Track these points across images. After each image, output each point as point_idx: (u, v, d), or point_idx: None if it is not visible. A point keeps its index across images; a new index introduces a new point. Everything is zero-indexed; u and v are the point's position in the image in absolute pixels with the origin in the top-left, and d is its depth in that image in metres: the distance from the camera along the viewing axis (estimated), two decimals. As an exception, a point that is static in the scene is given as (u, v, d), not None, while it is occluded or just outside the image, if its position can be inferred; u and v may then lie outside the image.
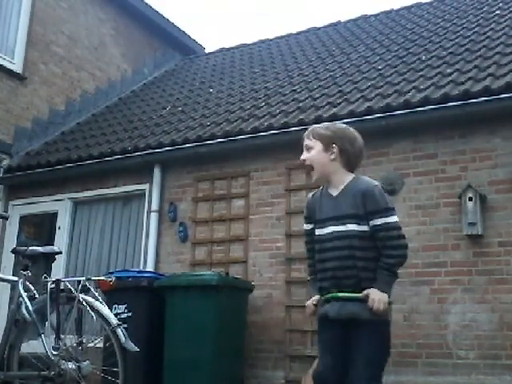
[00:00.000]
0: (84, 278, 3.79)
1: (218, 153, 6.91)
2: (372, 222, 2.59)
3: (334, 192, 2.74)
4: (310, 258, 2.87)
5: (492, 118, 5.57)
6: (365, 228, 2.61)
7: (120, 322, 3.65)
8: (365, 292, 2.57)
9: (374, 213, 2.59)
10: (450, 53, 7.04)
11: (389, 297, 2.59)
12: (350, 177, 2.74)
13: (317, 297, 2.78)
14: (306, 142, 2.80)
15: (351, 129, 2.83)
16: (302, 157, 2.80)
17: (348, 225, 2.63)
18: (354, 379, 2.57)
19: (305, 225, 2.90)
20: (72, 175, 7.89)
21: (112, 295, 5.56)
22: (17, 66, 8.74)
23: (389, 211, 2.61)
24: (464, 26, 8.15)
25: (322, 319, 2.74)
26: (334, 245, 2.66)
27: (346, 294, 2.62)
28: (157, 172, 7.26)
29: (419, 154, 5.87)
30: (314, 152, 2.76)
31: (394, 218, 2.61)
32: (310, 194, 2.92)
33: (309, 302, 2.82)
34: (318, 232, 2.75)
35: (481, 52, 6.66)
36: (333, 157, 2.73)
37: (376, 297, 2.54)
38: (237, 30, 32.85)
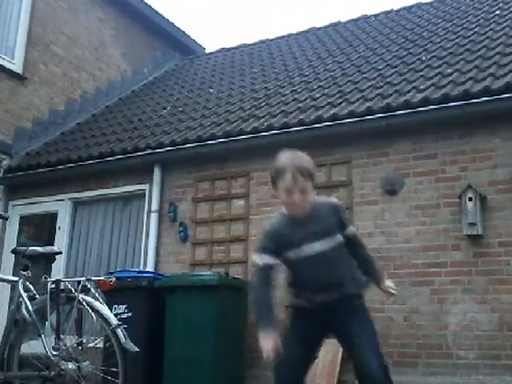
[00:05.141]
0: (84, 279, 3.79)
1: (218, 153, 6.91)
2: (347, 231, 2.78)
3: (297, 217, 2.66)
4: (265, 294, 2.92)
5: (492, 118, 5.57)
6: (341, 238, 2.75)
7: (120, 322, 3.64)
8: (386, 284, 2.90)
9: (347, 224, 2.81)
10: (450, 53, 7.04)
11: None
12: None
13: (276, 334, 2.73)
14: (302, 184, 2.55)
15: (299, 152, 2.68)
16: (297, 200, 2.56)
17: (330, 239, 2.69)
18: (368, 366, 2.58)
19: (265, 257, 2.76)
20: (72, 175, 7.89)
21: (112, 295, 5.56)
22: (17, 66, 8.73)
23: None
24: (464, 26, 8.14)
25: (300, 309, 2.99)
26: (319, 260, 2.70)
27: None
28: (157, 172, 7.26)
29: (419, 154, 5.87)
30: (310, 195, 2.60)
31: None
32: (274, 222, 2.74)
33: (272, 343, 2.71)
34: (294, 254, 2.73)
35: (481, 52, 6.66)
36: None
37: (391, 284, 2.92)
38: (237, 29, 32.88)
